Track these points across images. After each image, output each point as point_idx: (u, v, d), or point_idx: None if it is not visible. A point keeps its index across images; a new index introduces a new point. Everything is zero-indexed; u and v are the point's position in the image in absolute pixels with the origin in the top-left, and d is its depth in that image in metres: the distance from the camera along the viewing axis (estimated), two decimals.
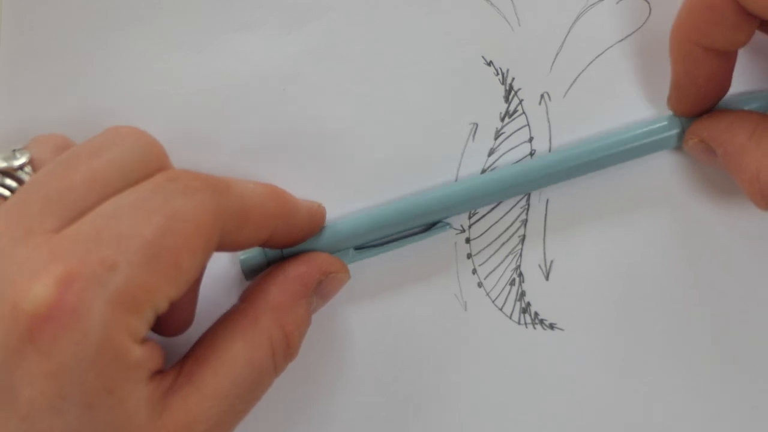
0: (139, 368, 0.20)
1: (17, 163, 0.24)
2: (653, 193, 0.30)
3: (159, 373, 0.21)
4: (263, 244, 0.25)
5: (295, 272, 0.26)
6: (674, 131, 0.28)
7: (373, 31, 0.31)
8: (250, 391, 0.23)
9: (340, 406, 0.29)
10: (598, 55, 0.30)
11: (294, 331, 0.24)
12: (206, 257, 0.21)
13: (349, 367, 0.29)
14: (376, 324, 0.29)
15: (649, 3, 0.30)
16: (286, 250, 0.27)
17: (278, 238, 0.25)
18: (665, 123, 0.29)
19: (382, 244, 0.29)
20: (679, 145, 0.29)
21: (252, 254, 0.28)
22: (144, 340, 0.20)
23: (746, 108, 0.28)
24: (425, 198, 0.28)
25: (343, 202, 0.30)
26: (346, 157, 0.30)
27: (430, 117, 0.30)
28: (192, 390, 0.21)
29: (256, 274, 0.28)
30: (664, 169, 0.30)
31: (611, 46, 0.30)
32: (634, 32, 0.30)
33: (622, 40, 0.30)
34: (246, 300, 0.25)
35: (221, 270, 0.29)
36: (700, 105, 0.28)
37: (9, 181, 0.23)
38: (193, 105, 0.30)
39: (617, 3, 0.30)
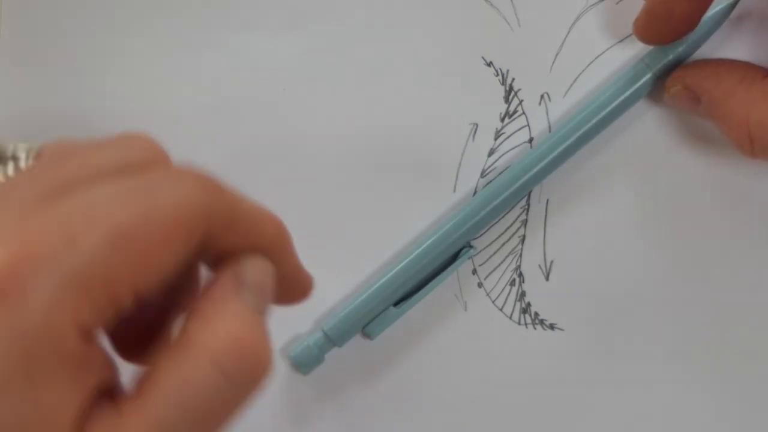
0: (72, 364, 0.17)
1: (19, 152, 0.23)
2: (653, 194, 0.30)
3: (108, 397, 0.19)
4: None
5: (209, 278, 0.21)
6: (647, 75, 0.28)
7: (372, 31, 0.31)
8: (197, 417, 0.19)
9: (336, 404, 0.29)
10: (598, 55, 0.30)
11: (244, 337, 0.19)
12: (184, 254, 0.19)
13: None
14: None
15: None
16: (329, 331, 0.28)
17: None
18: (640, 67, 0.29)
19: (416, 290, 0.29)
20: (654, 90, 0.29)
21: (300, 348, 0.28)
22: (91, 338, 0.18)
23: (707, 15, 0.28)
24: (446, 231, 0.28)
25: (342, 200, 0.30)
26: (345, 158, 0.30)
27: (430, 117, 0.30)
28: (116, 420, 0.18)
29: (310, 367, 0.28)
30: (664, 169, 0.30)
31: (611, 46, 0.30)
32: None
33: (622, 40, 0.30)
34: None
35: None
36: (665, 36, 0.28)
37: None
38: (193, 105, 0.30)
39: (617, 3, 0.30)
